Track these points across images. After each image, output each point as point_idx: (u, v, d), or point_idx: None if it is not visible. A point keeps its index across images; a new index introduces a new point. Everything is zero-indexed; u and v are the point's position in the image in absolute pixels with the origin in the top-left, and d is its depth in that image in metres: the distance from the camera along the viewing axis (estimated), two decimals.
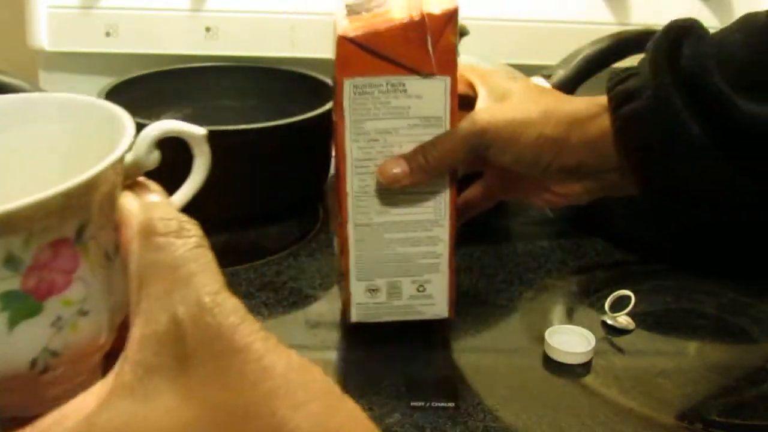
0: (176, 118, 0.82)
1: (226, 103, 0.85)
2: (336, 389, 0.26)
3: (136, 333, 0.26)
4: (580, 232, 0.74)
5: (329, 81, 0.79)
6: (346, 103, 0.50)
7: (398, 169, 0.51)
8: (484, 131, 0.51)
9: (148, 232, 0.27)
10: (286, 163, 0.72)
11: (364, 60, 0.49)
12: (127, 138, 0.30)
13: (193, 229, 0.27)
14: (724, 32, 0.49)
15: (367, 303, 0.56)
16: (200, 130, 0.33)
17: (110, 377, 0.27)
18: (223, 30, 0.90)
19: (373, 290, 0.56)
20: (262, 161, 0.71)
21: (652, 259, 0.70)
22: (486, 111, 0.52)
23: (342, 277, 0.56)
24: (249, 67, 0.86)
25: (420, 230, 0.54)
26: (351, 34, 0.49)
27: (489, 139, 0.51)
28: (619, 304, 0.60)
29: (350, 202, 0.53)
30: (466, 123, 0.51)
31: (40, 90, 0.72)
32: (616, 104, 0.50)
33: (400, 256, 0.55)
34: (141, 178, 0.32)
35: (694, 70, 0.47)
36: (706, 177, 0.48)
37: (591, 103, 0.52)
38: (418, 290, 0.56)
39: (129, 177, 0.31)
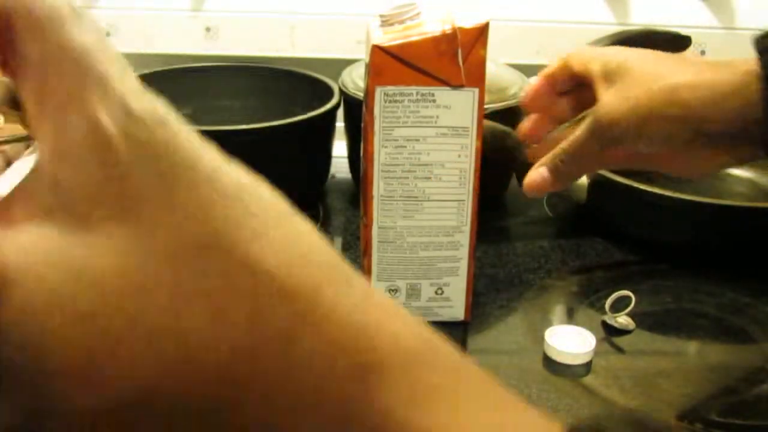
0: None
1: (226, 103, 0.85)
2: (288, 208, 0.22)
3: (45, 148, 0.20)
4: (580, 232, 0.74)
5: (329, 81, 0.80)
6: (377, 110, 0.52)
7: (541, 178, 0.52)
8: (610, 128, 0.49)
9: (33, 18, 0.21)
10: (286, 163, 0.72)
11: (397, 69, 0.51)
12: None
13: (87, 14, 0.22)
14: None
15: None
16: None
17: (12, 199, 0.20)
18: (223, 30, 0.90)
19: (393, 291, 0.57)
20: (262, 161, 0.70)
21: (652, 259, 0.69)
22: (606, 105, 0.49)
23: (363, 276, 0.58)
24: (249, 67, 0.86)
25: (442, 235, 0.56)
26: (385, 44, 0.50)
27: (617, 135, 0.49)
28: (619, 304, 0.60)
29: (376, 205, 0.55)
30: (591, 123, 0.50)
31: None
32: (764, 64, 0.45)
33: (421, 259, 0.56)
34: None
35: None
36: None
37: (733, 71, 0.47)
38: (436, 293, 0.58)
39: None
